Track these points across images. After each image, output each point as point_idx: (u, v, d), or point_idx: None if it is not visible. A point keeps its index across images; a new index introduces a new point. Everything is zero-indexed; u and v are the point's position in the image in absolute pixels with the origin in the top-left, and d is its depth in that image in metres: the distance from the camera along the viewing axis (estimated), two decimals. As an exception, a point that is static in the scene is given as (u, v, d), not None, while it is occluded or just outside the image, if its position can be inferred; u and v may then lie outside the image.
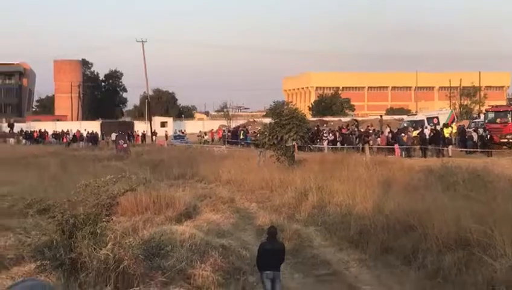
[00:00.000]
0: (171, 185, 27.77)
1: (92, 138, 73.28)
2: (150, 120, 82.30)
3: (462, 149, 38.98)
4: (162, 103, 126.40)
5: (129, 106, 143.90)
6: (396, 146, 39.78)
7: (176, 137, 73.35)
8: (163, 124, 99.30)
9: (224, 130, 72.22)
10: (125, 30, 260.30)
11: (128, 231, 15.03)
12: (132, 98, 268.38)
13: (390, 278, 14.47)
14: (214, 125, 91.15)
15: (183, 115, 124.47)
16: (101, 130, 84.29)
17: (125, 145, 53.36)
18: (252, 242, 17.07)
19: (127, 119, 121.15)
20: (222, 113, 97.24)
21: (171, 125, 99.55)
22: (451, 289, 12.62)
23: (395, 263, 15.21)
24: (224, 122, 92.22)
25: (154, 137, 75.39)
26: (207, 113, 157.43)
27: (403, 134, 40.70)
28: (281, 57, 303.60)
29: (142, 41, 79.94)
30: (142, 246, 11.57)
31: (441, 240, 14.43)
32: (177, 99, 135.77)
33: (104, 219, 11.33)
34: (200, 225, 17.82)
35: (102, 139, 76.31)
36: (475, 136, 40.09)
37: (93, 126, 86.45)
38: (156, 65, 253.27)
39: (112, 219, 12.11)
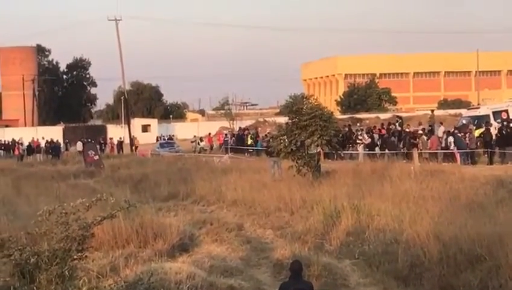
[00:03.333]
0: (159, 209, 27.82)
1: (53, 148, 73.41)
2: (128, 123, 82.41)
3: (542, 152, 38.82)
4: (144, 100, 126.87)
5: (100, 105, 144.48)
6: (455, 150, 39.67)
7: (162, 145, 73.42)
8: (145, 128, 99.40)
9: (226, 134, 72.24)
10: (92, 5, 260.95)
11: (105, 271, 15.12)
12: (104, 95, 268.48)
13: (453, 326, 14.47)
14: (213, 127, 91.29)
15: (171, 116, 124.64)
16: (63, 138, 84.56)
17: (96, 157, 53.48)
18: (269, 282, 17.08)
19: (98, 122, 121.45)
20: (223, 111, 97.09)
21: (156, 129, 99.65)
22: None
23: (458, 305, 15.20)
24: (225, 123, 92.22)
25: (134, 146, 75.49)
26: (202, 112, 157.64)
27: (462, 134, 40.61)
28: (297, 37, 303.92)
29: (116, 20, 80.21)
30: (126, 291, 11.60)
31: (518, 273, 14.42)
32: (162, 95, 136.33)
33: (75, 256, 11.32)
34: (200, 260, 17.83)
35: (66, 149, 76.48)
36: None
37: (54, 133, 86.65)
38: (133, 51, 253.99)
39: (86, 256, 12.12)
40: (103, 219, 12.40)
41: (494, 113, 48.05)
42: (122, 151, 74.60)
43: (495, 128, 42.23)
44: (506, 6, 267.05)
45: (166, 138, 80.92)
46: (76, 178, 43.94)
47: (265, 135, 58.82)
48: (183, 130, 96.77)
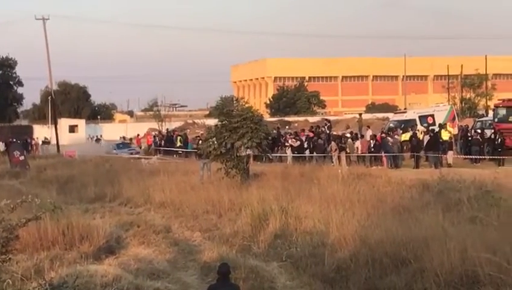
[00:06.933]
0: (86, 211, 27.55)
1: (-23, 148, 72.15)
2: (55, 123, 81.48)
3: (466, 156, 39.51)
4: (71, 101, 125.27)
5: (26, 105, 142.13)
6: (382, 154, 40.08)
7: (119, 146, 71.63)
8: (72, 129, 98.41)
9: (154, 136, 71.89)
10: (20, 3, 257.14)
11: (30, 274, 14.90)
12: (30, 95, 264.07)
13: (378, 328, 14.60)
14: (141, 128, 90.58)
15: (99, 116, 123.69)
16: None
17: (22, 158, 52.65)
18: (197, 285, 17.04)
19: (24, 122, 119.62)
20: (151, 113, 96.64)
21: (84, 130, 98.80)
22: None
23: (383, 307, 15.33)
24: (154, 124, 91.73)
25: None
26: (131, 113, 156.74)
27: (388, 138, 41.07)
28: (227, 39, 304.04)
29: (44, 19, 79.15)
30: (50, 294, 11.44)
31: (442, 276, 14.62)
32: (90, 95, 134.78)
33: (-1, 258, 11.16)
34: (127, 262, 17.72)
35: (-9, 149, 75.18)
36: (482, 140, 40.65)
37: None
38: (61, 51, 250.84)
39: (10, 258, 11.95)
40: (28, 221, 12.22)
41: (420, 117, 48.84)
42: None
43: (421, 132, 42.86)
44: (434, 13, 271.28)
45: (123, 140, 79.92)
46: (1, 179, 43.23)
47: (196, 137, 58.71)
48: (111, 131, 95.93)
